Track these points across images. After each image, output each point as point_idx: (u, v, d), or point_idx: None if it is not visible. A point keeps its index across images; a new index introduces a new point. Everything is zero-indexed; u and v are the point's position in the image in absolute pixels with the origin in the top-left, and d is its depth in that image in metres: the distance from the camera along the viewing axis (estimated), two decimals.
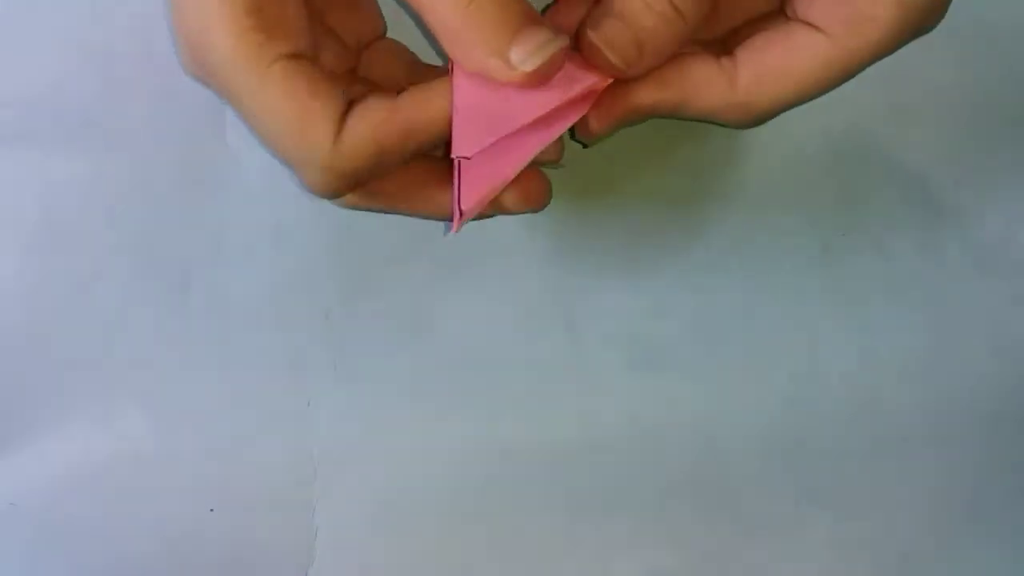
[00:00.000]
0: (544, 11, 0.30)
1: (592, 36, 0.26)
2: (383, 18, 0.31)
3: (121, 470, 0.35)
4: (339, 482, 0.35)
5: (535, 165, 0.27)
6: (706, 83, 0.28)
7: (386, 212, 0.29)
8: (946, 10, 0.28)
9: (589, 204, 0.36)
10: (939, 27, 0.33)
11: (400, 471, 0.36)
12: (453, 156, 0.26)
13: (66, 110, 0.33)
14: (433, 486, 0.36)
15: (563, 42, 0.26)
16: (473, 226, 0.34)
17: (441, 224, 0.35)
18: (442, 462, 0.36)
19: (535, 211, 0.29)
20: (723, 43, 0.29)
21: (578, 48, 0.27)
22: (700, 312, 0.36)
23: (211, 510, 0.35)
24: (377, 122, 0.26)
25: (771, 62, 0.27)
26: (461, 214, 0.26)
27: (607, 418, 0.36)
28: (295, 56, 0.25)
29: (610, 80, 0.27)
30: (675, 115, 0.28)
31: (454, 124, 0.26)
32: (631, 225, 0.36)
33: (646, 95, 0.28)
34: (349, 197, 0.28)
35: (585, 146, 0.34)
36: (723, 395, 0.37)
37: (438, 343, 0.36)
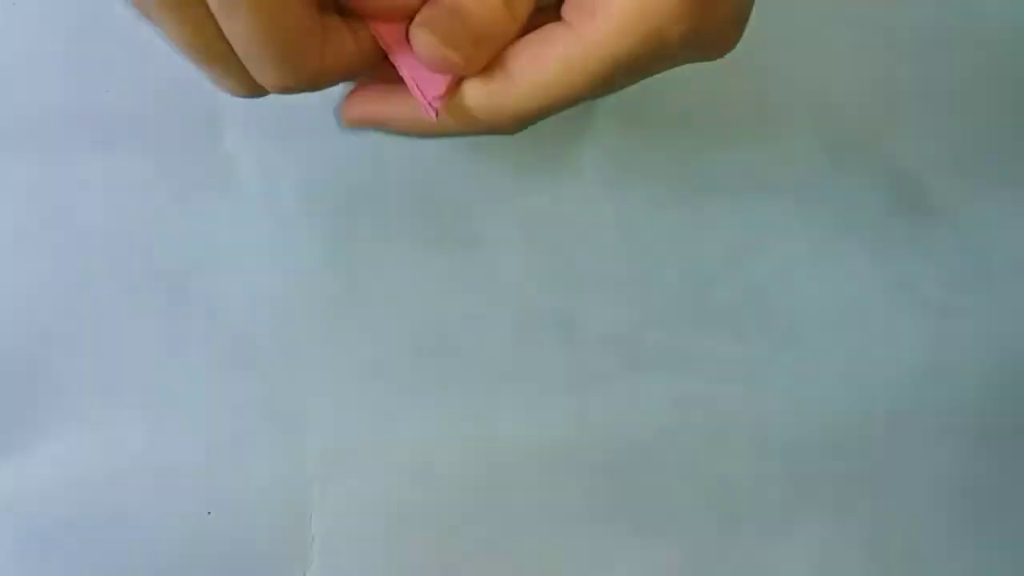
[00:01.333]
0: None
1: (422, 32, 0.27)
2: None
3: (118, 475, 0.35)
4: (336, 487, 0.35)
5: None
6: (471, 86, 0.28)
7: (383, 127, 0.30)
8: (727, 38, 0.27)
9: (590, 215, 0.36)
10: (933, 36, 0.33)
11: (398, 476, 0.36)
12: (400, 70, 0.28)
13: (63, 115, 0.34)
14: (431, 490, 0.36)
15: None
16: (471, 232, 0.35)
17: (438, 230, 0.35)
18: (439, 466, 0.36)
19: None
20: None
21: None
22: (696, 315, 0.37)
23: (208, 513, 0.35)
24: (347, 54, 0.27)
25: (522, 61, 0.27)
26: (433, 102, 0.28)
27: (603, 419, 0.36)
28: None
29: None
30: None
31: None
32: (628, 233, 0.36)
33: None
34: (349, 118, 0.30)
35: None
36: (721, 396, 0.37)
37: (434, 348, 0.36)
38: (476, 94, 0.28)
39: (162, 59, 0.31)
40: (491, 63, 0.27)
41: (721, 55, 0.28)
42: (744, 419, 0.37)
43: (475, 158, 0.36)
